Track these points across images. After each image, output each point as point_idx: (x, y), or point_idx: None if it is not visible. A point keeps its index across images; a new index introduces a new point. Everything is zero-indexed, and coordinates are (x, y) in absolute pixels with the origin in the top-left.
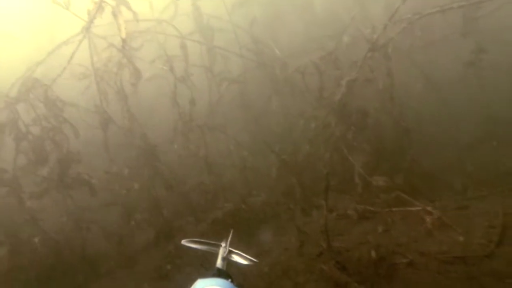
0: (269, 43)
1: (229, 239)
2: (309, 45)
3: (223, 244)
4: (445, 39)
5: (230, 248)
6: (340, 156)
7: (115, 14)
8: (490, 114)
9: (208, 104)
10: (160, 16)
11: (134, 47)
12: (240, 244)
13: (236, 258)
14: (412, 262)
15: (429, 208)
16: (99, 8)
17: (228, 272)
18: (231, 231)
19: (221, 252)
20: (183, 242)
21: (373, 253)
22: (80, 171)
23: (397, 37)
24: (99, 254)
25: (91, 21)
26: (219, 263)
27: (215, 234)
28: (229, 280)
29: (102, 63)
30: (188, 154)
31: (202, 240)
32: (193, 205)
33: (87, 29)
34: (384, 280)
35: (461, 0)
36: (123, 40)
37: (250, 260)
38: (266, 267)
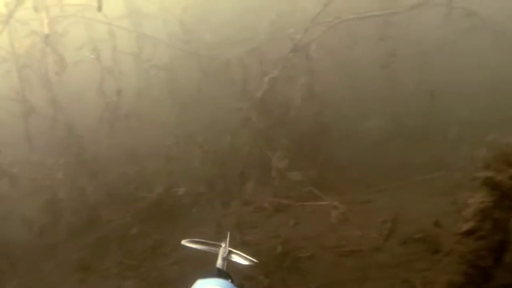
0: (198, 32)
1: (228, 239)
2: (237, 36)
3: (223, 244)
4: (363, 42)
5: (230, 248)
6: (259, 149)
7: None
8: (399, 112)
9: (136, 93)
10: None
11: (59, 33)
12: (159, 235)
13: (236, 258)
14: (313, 256)
15: (336, 203)
16: None
17: (228, 272)
18: (228, 233)
19: (221, 252)
20: (183, 242)
21: (279, 248)
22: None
23: (319, 38)
24: (18, 245)
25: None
26: (219, 263)
27: (139, 223)
28: (229, 280)
29: (24, 49)
30: (113, 144)
31: (202, 240)
32: (117, 195)
33: (7, 15)
34: (287, 272)
35: (376, 10)
36: (48, 27)
37: (250, 261)
38: (182, 258)
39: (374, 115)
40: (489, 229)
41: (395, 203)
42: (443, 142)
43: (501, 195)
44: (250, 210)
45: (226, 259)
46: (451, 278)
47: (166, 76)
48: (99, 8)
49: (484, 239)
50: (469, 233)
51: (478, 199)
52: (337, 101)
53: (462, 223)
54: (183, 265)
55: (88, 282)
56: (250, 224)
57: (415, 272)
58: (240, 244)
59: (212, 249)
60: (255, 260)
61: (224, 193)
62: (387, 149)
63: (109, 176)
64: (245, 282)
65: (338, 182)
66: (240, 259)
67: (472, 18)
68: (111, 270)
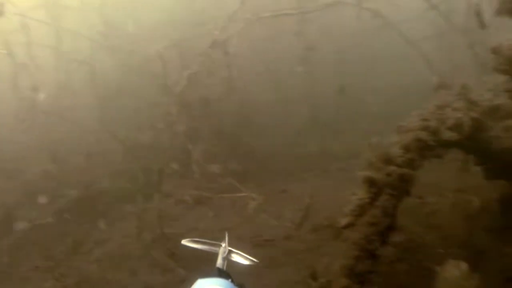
0: (119, 25)
1: (227, 239)
2: (158, 31)
3: (223, 244)
4: (281, 37)
5: (230, 248)
6: (180, 143)
7: None
8: (317, 104)
9: (55, 88)
10: None
11: None
12: (80, 232)
13: (236, 258)
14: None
15: (253, 195)
16: None
17: (228, 272)
18: (226, 233)
19: (221, 252)
20: (183, 242)
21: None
22: None
23: (237, 34)
24: None
25: None
26: (219, 263)
27: (61, 223)
28: (229, 280)
29: None
30: (31, 141)
31: (202, 240)
32: (35, 194)
33: None
34: (203, 264)
35: (291, 8)
36: None
37: (251, 260)
38: (103, 255)
39: (292, 108)
40: (379, 216)
41: (310, 191)
42: (355, 132)
43: (377, 191)
44: (171, 203)
45: (226, 258)
46: (345, 262)
47: (86, 70)
48: None
49: (374, 226)
50: (346, 227)
51: (358, 196)
52: (257, 95)
53: (342, 217)
54: (103, 263)
55: (6, 285)
56: (171, 217)
57: (320, 257)
58: (160, 237)
59: (212, 248)
60: (255, 260)
61: (145, 187)
62: (305, 140)
63: (27, 175)
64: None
65: (257, 174)
66: (240, 258)
67: (378, 19)
68: (30, 272)
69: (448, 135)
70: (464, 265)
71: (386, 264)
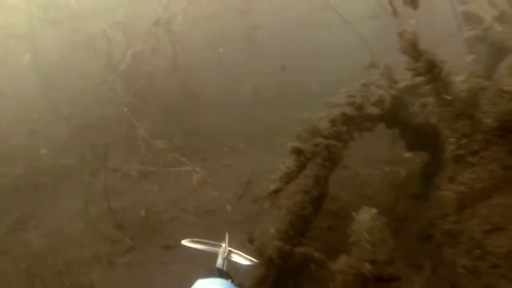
0: (61, 1)
1: (227, 239)
2: (101, 7)
3: (223, 244)
4: (226, 15)
5: (230, 248)
6: (126, 119)
7: None
8: (260, 81)
9: None
10: None
11: None
12: (29, 207)
13: (236, 258)
14: (174, 217)
15: (197, 168)
16: None
17: (228, 272)
18: (227, 233)
19: (221, 252)
20: (183, 242)
21: (142, 212)
22: None
23: (181, 13)
24: None
25: None
26: (219, 263)
27: (4, 200)
28: (229, 280)
29: None
30: None
31: (202, 240)
32: None
33: None
34: (151, 233)
35: None
36: None
37: (250, 260)
38: (51, 230)
39: (236, 85)
40: (310, 185)
41: (252, 165)
42: (296, 109)
43: (304, 160)
44: (118, 178)
45: (226, 259)
46: (279, 226)
47: (27, 46)
48: None
49: (306, 194)
50: (274, 192)
51: (286, 165)
52: (201, 72)
53: (271, 183)
54: (51, 237)
55: None
56: (118, 191)
57: (257, 225)
58: (107, 211)
59: (212, 249)
60: (255, 260)
61: (91, 163)
62: (248, 116)
63: None
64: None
65: (201, 148)
66: (240, 258)
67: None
68: None
69: (371, 110)
70: (374, 210)
71: (318, 229)
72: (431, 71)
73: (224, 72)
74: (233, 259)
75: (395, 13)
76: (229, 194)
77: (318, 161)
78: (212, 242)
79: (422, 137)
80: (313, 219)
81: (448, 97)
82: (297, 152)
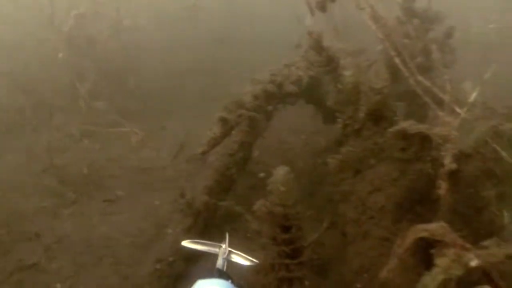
0: None
1: (227, 240)
2: None
3: (223, 245)
4: None
5: (230, 249)
6: (68, 80)
7: None
8: (201, 49)
9: None
10: None
11: None
12: None
13: (236, 258)
14: (114, 175)
15: (136, 130)
16: None
17: (228, 272)
18: (227, 233)
19: (221, 253)
20: (183, 243)
21: (85, 170)
22: None
23: None
24: None
25: None
26: (219, 263)
27: None
28: (229, 280)
29: None
30: None
31: (202, 241)
32: None
33: None
34: (92, 188)
35: None
36: None
37: (251, 261)
38: None
39: (176, 54)
40: (237, 149)
41: (187, 129)
42: (232, 79)
43: (229, 128)
44: (60, 137)
45: (226, 259)
46: (207, 184)
47: None
48: None
49: (232, 156)
50: (202, 154)
51: (212, 131)
52: (144, 38)
53: (199, 147)
54: None
55: None
56: (60, 149)
57: (189, 182)
58: (50, 167)
59: (212, 249)
60: (255, 260)
61: (34, 121)
62: (186, 83)
63: None
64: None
65: (140, 111)
66: (240, 259)
67: None
68: None
69: (290, 88)
70: (287, 168)
71: (242, 188)
72: (329, 64)
73: (165, 39)
74: (233, 259)
75: (311, 12)
76: (165, 154)
77: (243, 128)
78: (212, 242)
79: (333, 111)
80: (236, 179)
81: (340, 86)
82: (223, 121)
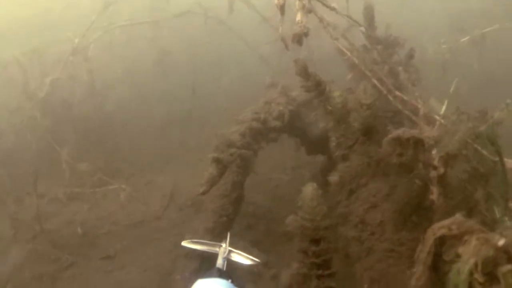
0: None
1: (228, 239)
2: (12, 37)
3: (223, 244)
4: (138, 42)
5: (230, 248)
6: (47, 146)
7: None
8: (173, 103)
9: None
10: None
11: None
12: None
13: (236, 258)
14: (108, 231)
15: (123, 186)
16: None
17: (228, 272)
18: (228, 233)
19: (221, 252)
20: (183, 243)
21: (79, 229)
22: None
23: (96, 41)
24: None
25: None
26: (219, 263)
27: None
28: (229, 280)
29: None
30: None
31: (202, 241)
32: None
33: None
34: (89, 248)
35: (146, 17)
36: None
37: (252, 260)
38: None
39: (151, 107)
40: (230, 189)
41: (173, 180)
42: (208, 127)
43: (223, 167)
44: (45, 203)
45: (226, 259)
46: (206, 226)
47: None
48: None
49: (226, 197)
50: (203, 193)
51: (209, 171)
52: (117, 96)
53: (199, 187)
54: None
55: None
56: (47, 215)
57: (186, 229)
58: (41, 233)
59: (212, 249)
60: (256, 260)
61: (16, 192)
62: (164, 136)
63: None
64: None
65: (124, 168)
66: (241, 258)
67: (222, 26)
68: None
69: (274, 123)
70: (314, 184)
71: (239, 227)
72: (317, 88)
73: (138, 95)
74: (233, 259)
75: (286, 47)
76: (156, 206)
77: (234, 169)
78: (212, 242)
79: (318, 143)
80: (234, 218)
81: (329, 108)
82: (217, 161)
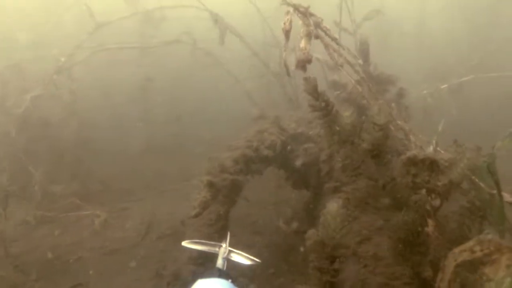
0: None
1: (228, 239)
2: None
3: (223, 245)
4: (123, 67)
5: (230, 248)
6: (20, 164)
7: None
8: (154, 130)
9: None
10: None
11: None
12: None
13: (236, 258)
14: (81, 257)
15: (98, 212)
16: None
17: (228, 272)
18: (228, 233)
19: (221, 253)
20: (183, 243)
21: (49, 254)
22: None
23: (82, 62)
24: None
25: None
26: (219, 263)
27: None
28: (229, 280)
29: None
30: None
31: (202, 241)
32: None
33: None
34: (59, 275)
35: (135, 42)
36: None
37: (252, 260)
38: None
39: (131, 133)
40: (215, 219)
41: (150, 208)
42: (189, 157)
43: (216, 191)
44: (12, 225)
45: (227, 259)
46: (191, 255)
47: None
48: None
49: (212, 226)
50: (196, 216)
51: (202, 195)
52: (97, 120)
53: (192, 210)
54: None
55: None
56: (13, 238)
57: (166, 258)
58: (6, 256)
59: (212, 249)
60: (257, 260)
61: None
62: (143, 163)
63: None
64: None
65: (99, 193)
66: (241, 258)
67: (210, 57)
68: None
69: (266, 152)
70: (340, 201)
71: None
72: (326, 108)
73: (119, 120)
74: (233, 259)
75: (288, 73)
76: (133, 234)
77: (220, 199)
78: (212, 242)
79: (302, 176)
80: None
81: (337, 128)
82: (210, 184)
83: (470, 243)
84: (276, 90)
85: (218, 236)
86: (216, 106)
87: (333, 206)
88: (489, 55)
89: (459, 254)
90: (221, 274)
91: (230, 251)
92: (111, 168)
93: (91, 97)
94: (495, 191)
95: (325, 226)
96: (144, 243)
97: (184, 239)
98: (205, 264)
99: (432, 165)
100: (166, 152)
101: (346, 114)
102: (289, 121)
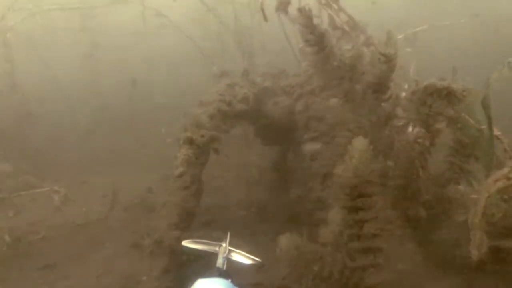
0: None
1: (228, 239)
2: None
3: (223, 244)
4: (64, 32)
5: (231, 248)
6: None
7: None
8: (103, 102)
9: None
10: None
11: None
12: None
13: (237, 257)
14: (45, 237)
15: (56, 188)
16: None
17: (228, 271)
18: (228, 233)
19: (221, 252)
20: (184, 243)
21: (7, 237)
22: None
23: (17, 26)
24: None
25: None
26: (219, 262)
27: None
28: (229, 280)
29: None
30: None
31: (202, 240)
32: None
33: None
34: (21, 258)
35: (77, 3)
36: None
37: (252, 259)
38: None
39: (79, 103)
40: (190, 181)
41: (111, 179)
42: (146, 124)
43: (197, 148)
44: None
45: (227, 258)
46: (170, 220)
47: None
48: None
49: (187, 189)
50: (180, 176)
51: (183, 152)
52: (40, 92)
53: (175, 170)
54: None
55: None
56: None
57: (138, 229)
58: None
59: (212, 248)
60: (257, 259)
61: None
62: (95, 136)
63: None
64: None
65: (52, 169)
66: (241, 258)
67: (161, 18)
68: None
69: (239, 106)
70: (366, 140)
71: (198, 225)
72: (321, 41)
73: (64, 92)
74: (233, 258)
75: (265, 18)
76: (98, 207)
77: (192, 160)
78: (212, 242)
79: (273, 131)
80: (195, 212)
81: (335, 63)
82: (190, 141)
83: (504, 170)
84: (231, 47)
85: (194, 199)
86: (168, 70)
87: (359, 141)
88: None
89: (493, 184)
90: (221, 273)
91: (230, 251)
92: (61, 143)
93: (31, 67)
94: (484, 127)
95: (353, 161)
96: (112, 214)
97: (154, 206)
98: (189, 228)
99: (449, 95)
100: (121, 123)
101: (348, 48)
102: (255, 75)
